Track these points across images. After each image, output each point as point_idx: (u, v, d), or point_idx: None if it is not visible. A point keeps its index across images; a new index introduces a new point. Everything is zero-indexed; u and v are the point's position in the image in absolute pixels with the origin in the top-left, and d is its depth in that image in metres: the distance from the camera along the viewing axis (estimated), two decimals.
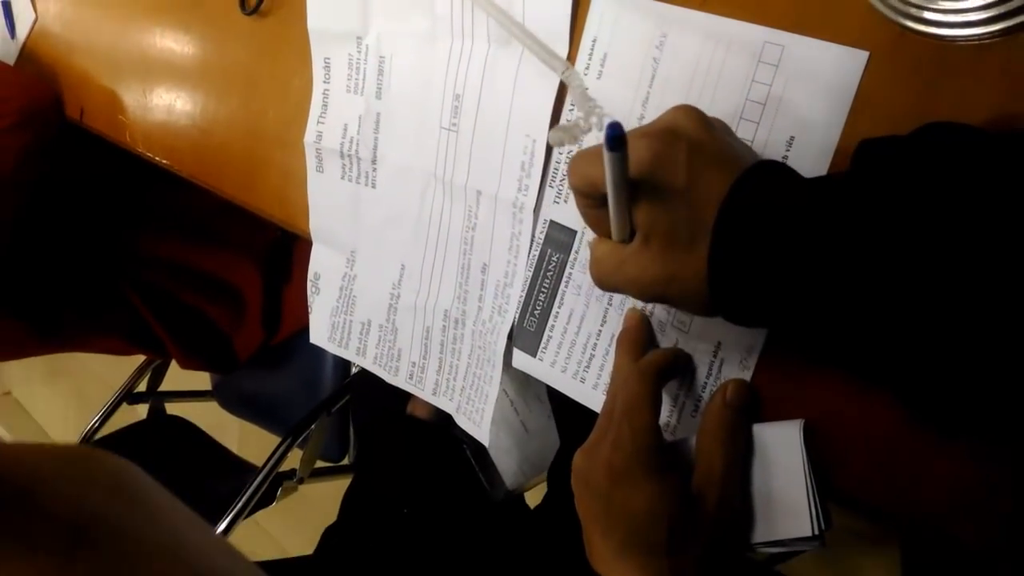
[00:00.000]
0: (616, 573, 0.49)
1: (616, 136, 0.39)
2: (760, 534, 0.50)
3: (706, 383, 0.55)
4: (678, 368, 0.56)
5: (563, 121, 0.61)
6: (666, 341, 0.57)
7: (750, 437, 0.51)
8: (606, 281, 0.49)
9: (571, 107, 0.60)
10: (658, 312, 0.57)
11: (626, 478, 0.49)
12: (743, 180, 0.42)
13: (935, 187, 0.36)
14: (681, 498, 0.49)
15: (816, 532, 0.48)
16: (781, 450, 0.50)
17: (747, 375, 0.53)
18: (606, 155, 0.41)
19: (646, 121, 0.56)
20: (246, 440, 1.92)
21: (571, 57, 0.59)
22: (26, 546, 0.24)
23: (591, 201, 0.48)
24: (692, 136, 0.44)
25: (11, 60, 1.19)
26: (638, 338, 0.57)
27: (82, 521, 0.25)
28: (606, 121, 0.40)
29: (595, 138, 0.56)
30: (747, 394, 0.52)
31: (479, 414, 0.70)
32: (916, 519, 0.47)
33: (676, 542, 0.47)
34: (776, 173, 0.42)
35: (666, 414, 0.57)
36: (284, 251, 1.37)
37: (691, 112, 0.45)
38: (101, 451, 0.30)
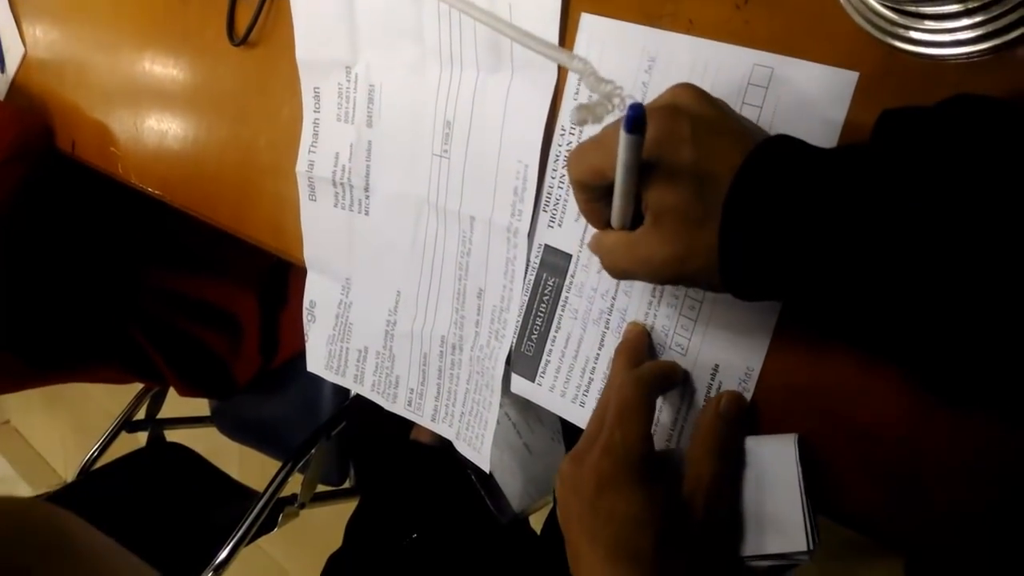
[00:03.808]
0: None
1: (638, 116, 0.39)
2: (751, 548, 0.49)
3: (703, 400, 0.55)
4: (674, 380, 0.55)
5: (555, 145, 0.61)
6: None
7: (743, 450, 0.51)
8: (618, 266, 0.48)
9: (563, 130, 0.60)
10: (656, 334, 0.57)
11: (614, 484, 0.48)
12: (757, 153, 0.40)
13: (960, 160, 0.35)
14: (669, 507, 0.48)
15: (811, 547, 0.47)
16: (775, 463, 0.50)
17: (746, 396, 0.53)
18: (624, 138, 0.40)
19: None
20: (246, 465, 1.92)
21: (560, 82, 0.59)
22: None
23: (592, 195, 0.47)
24: (694, 111, 0.43)
25: (1, 94, 1.19)
26: (637, 349, 0.56)
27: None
28: (628, 101, 0.39)
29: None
30: (741, 406, 0.52)
31: (479, 440, 0.69)
32: (918, 544, 0.47)
33: (663, 551, 0.46)
34: (792, 146, 0.41)
35: (664, 435, 0.57)
36: (280, 276, 1.37)
37: (691, 88, 0.45)
38: (39, 505, 0.30)
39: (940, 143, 0.36)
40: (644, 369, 0.54)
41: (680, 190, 0.42)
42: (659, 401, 0.57)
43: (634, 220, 0.46)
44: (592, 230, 0.51)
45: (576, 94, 0.58)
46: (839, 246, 0.37)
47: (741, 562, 0.50)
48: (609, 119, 0.46)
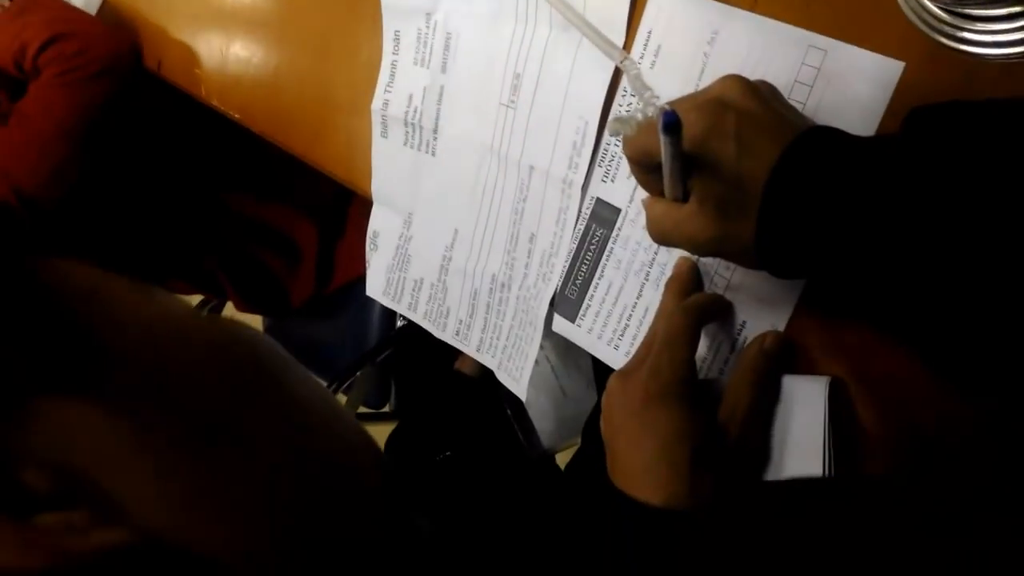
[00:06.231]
0: (638, 486, 0.53)
1: (672, 123, 0.43)
2: (772, 472, 0.55)
3: (739, 335, 0.59)
4: (718, 312, 0.60)
5: (615, 106, 0.65)
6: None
7: (779, 385, 0.56)
8: (664, 238, 0.53)
9: (624, 91, 0.64)
10: (702, 265, 0.61)
11: (659, 402, 0.53)
12: (792, 148, 0.44)
13: (990, 153, 0.38)
14: (706, 428, 0.53)
15: (826, 475, 0.52)
16: (806, 400, 0.54)
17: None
18: (662, 137, 0.45)
19: None
20: None
21: (627, 46, 0.63)
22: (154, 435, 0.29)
23: (645, 169, 0.52)
24: (740, 106, 0.47)
25: (93, 10, 1.24)
26: (686, 282, 0.60)
27: (210, 420, 0.31)
28: (662, 108, 0.44)
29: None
30: (783, 346, 0.56)
31: (519, 371, 0.75)
32: None
33: (697, 465, 0.52)
34: (825, 141, 0.45)
35: (701, 358, 0.61)
36: (340, 208, 1.43)
37: (738, 82, 0.48)
38: (243, 335, 0.36)
39: (968, 143, 0.40)
40: (692, 300, 0.58)
41: (722, 181, 0.47)
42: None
43: (685, 194, 0.50)
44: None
45: (641, 58, 0.62)
46: (863, 236, 0.41)
47: (763, 485, 0.55)
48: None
